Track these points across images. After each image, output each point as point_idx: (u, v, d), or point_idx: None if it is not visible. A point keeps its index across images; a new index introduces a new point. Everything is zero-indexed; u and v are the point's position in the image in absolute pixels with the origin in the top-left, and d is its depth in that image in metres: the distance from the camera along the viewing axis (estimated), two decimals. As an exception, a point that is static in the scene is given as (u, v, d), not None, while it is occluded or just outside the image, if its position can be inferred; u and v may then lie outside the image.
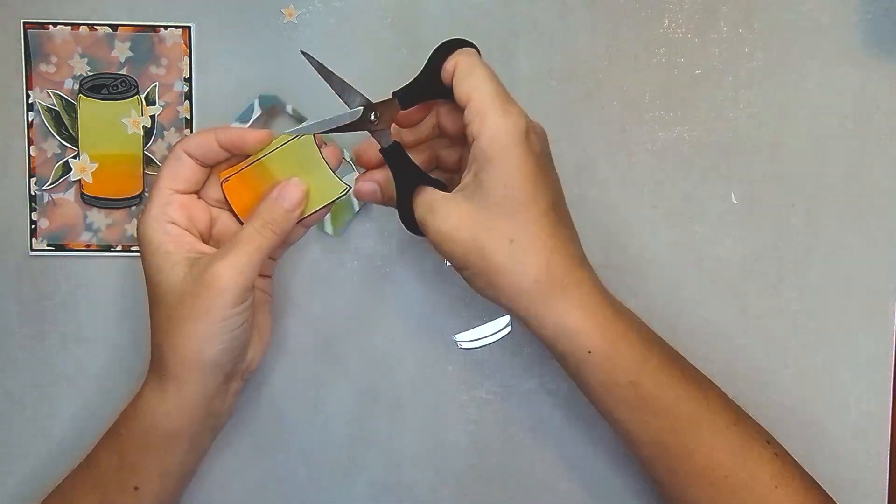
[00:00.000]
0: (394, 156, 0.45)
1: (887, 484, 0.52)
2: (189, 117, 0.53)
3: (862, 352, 0.52)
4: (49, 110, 0.53)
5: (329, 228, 0.53)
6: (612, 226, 0.53)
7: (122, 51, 0.52)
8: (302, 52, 0.45)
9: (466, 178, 0.43)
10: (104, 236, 0.53)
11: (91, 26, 0.52)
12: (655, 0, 0.52)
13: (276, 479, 0.54)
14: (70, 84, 0.53)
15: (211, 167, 0.47)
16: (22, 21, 0.52)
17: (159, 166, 0.53)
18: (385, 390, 0.53)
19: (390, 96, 0.45)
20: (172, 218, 0.46)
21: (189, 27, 0.52)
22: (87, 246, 0.53)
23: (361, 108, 0.45)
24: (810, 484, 0.46)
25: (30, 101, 0.53)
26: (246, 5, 0.52)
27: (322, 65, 0.45)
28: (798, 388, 0.53)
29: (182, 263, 0.44)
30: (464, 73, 0.43)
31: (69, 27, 0.52)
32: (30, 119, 0.53)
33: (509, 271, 0.43)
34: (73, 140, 0.53)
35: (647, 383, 0.43)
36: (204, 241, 0.47)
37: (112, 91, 0.53)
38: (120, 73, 0.53)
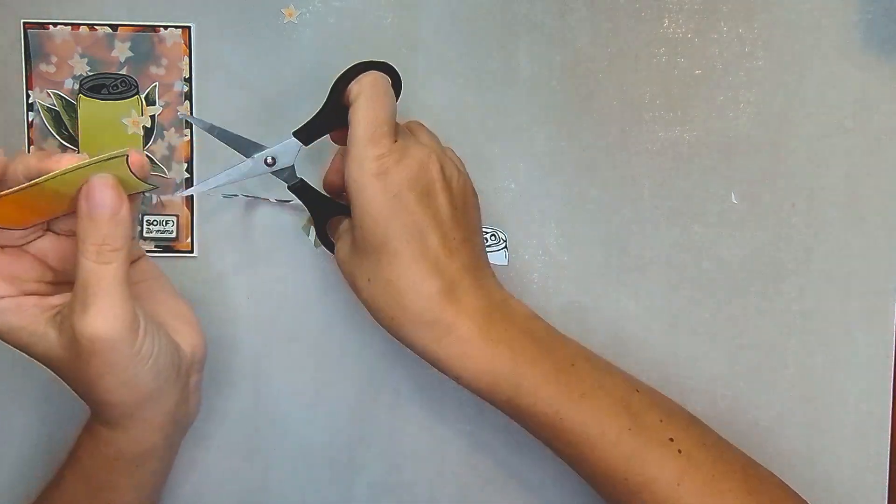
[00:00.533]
0: (301, 192, 0.48)
1: (887, 484, 0.52)
2: (189, 117, 0.53)
3: (862, 352, 0.52)
4: (49, 110, 0.53)
5: (312, 239, 0.53)
6: (612, 226, 0.53)
7: (122, 51, 0.52)
8: (186, 118, 0.48)
9: None
10: (104, 236, 0.53)
11: (91, 26, 0.52)
12: (655, 0, 0.52)
13: (276, 479, 0.54)
14: (70, 84, 0.53)
15: None
16: (22, 21, 0.52)
17: (160, 166, 0.53)
18: (385, 390, 0.53)
19: (291, 136, 0.47)
20: None
21: (189, 27, 0.52)
22: (87, 246, 0.53)
23: (253, 158, 0.47)
24: (722, 472, 0.43)
25: (30, 101, 0.53)
26: (246, 5, 0.52)
27: (212, 125, 0.47)
28: (798, 388, 0.53)
29: (44, 330, 0.39)
30: (352, 101, 0.44)
31: (69, 27, 0.52)
32: (30, 119, 0.53)
33: (370, 308, 0.44)
34: (73, 140, 0.53)
35: (522, 404, 0.44)
36: (49, 283, 0.41)
37: (112, 91, 0.53)
38: (120, 73, 0.53)
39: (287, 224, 0.53)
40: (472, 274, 0.45)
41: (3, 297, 0.40)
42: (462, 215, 0.45)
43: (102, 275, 0.37)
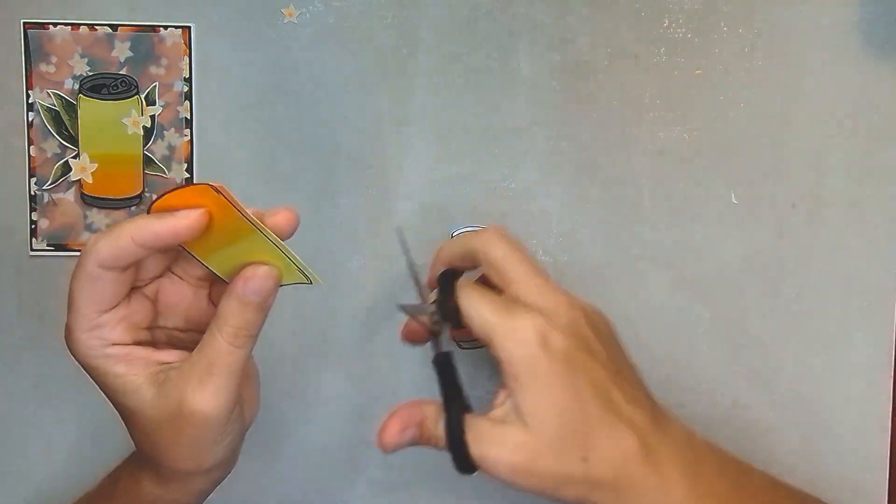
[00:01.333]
0: (444, 366, 0.42)
1: (887, 484, 0.52)
2: (189, 117, 0.53)
3: (862, 352, 0.52)
4: (49, 110, 0.53)
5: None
6: (612, 226, 0.53)
7: (122, 51, 0.52)
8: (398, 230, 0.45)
9: (505, 400, 0.39)
10: (104, 236, 0.53)
11: (91, 26, 0.52)
12: (655, 0, 0.52)
13: (276, 479, 0.54)
14: (70, 84, 0.53)
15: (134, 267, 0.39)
16: (22, 21, 0.52)
17: (160, 166, 0.53)
18: (385, 391, 0.53)
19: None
20: (110, 339, 0.39)
21: (189, 27, 0.52)
22: (87, 246, 0.53)
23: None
24: None
25: (30, 101, 0.53)
26: (246, 5, 0.52)
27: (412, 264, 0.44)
28: (798, 388, 0.53)
29: (145, 385, 0.38)
30: (464, 308, 0.40)
31: (69, 27, 0.52)
32: (30, 119, 0.53)
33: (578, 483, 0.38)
34: (73, 140, 0.53)
35: None
36: (149, 328, 0.40)
37: (112, 91, 0.53)
38: (120, 73, 0.53)
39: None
40: (657, 420, 0.39)
41: (116, 344, 0.39)
42: (620, 355, 0.41)
43: (232, 358, 0.38)
